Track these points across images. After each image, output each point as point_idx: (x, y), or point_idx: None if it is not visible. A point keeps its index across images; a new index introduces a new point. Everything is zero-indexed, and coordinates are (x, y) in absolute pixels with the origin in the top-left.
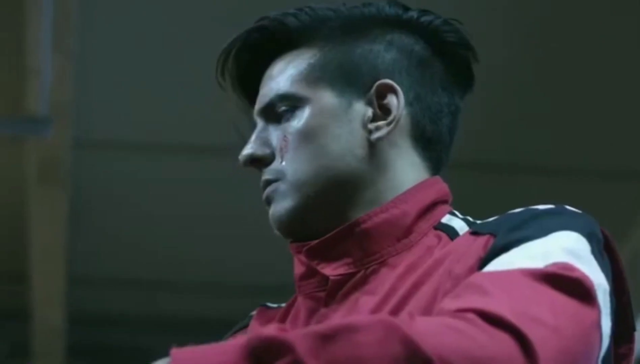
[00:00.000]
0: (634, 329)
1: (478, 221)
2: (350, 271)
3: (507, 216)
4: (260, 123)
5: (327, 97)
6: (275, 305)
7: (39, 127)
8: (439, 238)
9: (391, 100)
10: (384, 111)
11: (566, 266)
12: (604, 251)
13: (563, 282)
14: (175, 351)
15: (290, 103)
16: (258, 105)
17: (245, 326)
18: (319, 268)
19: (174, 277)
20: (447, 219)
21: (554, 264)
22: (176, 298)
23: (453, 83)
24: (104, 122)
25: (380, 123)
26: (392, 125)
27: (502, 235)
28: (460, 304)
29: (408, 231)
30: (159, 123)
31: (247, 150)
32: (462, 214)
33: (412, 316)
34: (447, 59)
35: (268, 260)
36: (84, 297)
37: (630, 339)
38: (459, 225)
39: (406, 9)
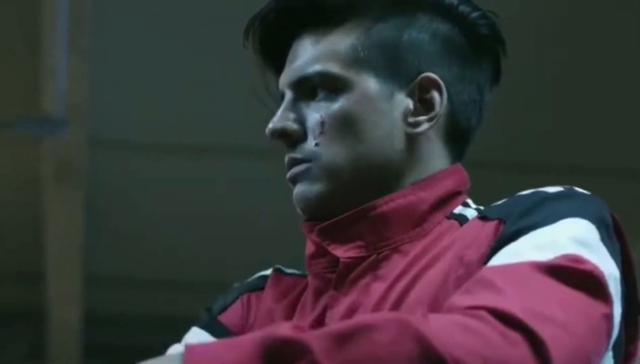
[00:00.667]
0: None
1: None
2: (362, 255)
3: (515, 199)
4: (289, 95)
5: (371, 83)
6: (289, 271)
7: (55, 127)
8: (451, 227)
9: (434, 95)
10: (425, 105)
11: (576, 258)
12: (613, 235)
13: (574, 275)
14: (189, 346)
15: (332, 83)
16: (290, 77)
17: (259, 289)
18: (330, 248)
19: (194, 277)
20: (459, 209)
21: (564, 256)
22: (193, 298)
23: (486, 78)
24: (120, 122)
25: (421, 118)
26: (432, 122)
27: (511, 222)
28: (472, 302)
29: (422, 219)
30: (177, 123)
31: (279, 122)
32: (476, 204)
33: (425, 315)
34: (482, 53)
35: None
36: (100, 297)
37: (637, 321)
38: (471, 213)
39: None
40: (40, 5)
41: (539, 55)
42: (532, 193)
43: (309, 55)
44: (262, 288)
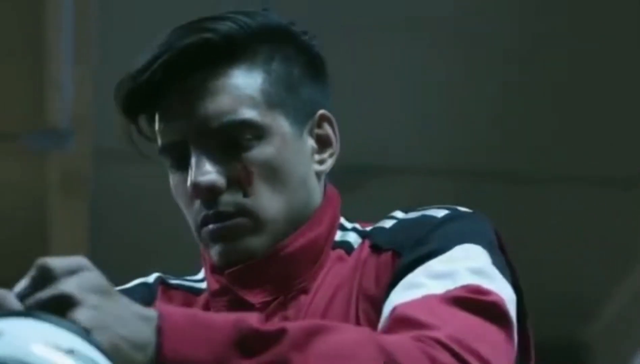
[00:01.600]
0: (527, 317)
1: (367, 228)
2: (271, 298)
3: (404, 225)
4: (201, 145)
5: (285, 126)
6: (174, 282)
7: (61, 138)
8: (339, 257)
9: (328, 130)
10: (323, 142)
11: (477, 289)
12: (499, 252)
13: (478, 306)
14: (165, 311)
15: (253, 131)
16: (201, 127)
17: (145, 302)
18: (239, 293)
19: None
20: (340, 235)
21: (464, 287)
22: None
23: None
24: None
25: (324, 155)
26: (333, 157)
27: (406, 252)
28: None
29: (319, 254)
30: None
31: (204, 177)
32: (348, 220)
33: (378, 333)
34: (323, 69)
35: None
36: None
37: (527, 326)
38: (352, 238)
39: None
40: (44, 17)
41: (551, 68)
42: (420, 217)
43: (220, 102)
44: (148, 302)
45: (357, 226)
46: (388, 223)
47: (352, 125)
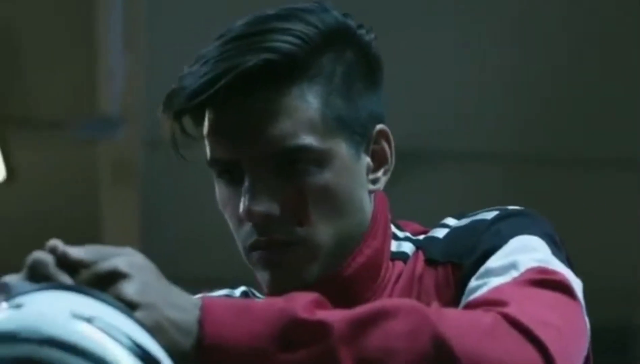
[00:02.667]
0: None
1: (420, 237)
2: None
3: (456, 234)
4: (256, 169)
5: (344, 150)
6: (261, 296)
7: (111, 127)
8: (397, 267)
9: (385, 146)
10: (379, 159)
11: (545, 270)
12: (561, 246)
13: (548, 283)
14: (208, 302)
15: (313, 157)
16: (257, 150)
17: None
18: None
19: (245, 275)
20: (395, 245)
21: (529, 270)
22: None
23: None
24: None
25: (378, 174)
26: (387, 175)
27: (465, 263)
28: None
29: (379, 269)
30: None
31: (262, 206)
32: (397, 226)
33: (440, 309)
34: (380, 72)
35: None
36: None
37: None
38: (407, 247)
39: (346, 17)
40: (95, 6)
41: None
42: (471, 223)
43: (278, 126)
44: None
45: (409, 234)
46: (440, 233)
47: (398, 111)
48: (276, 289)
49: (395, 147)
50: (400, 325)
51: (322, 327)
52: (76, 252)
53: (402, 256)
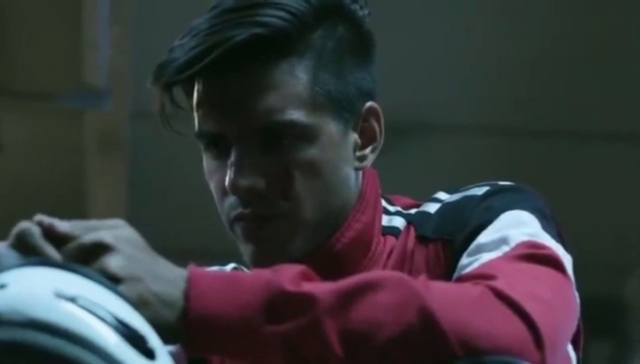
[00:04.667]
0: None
1: (412, 211)
2: None
3: (447, 210)
4: (243, 143)
5: (332, 126)
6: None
7: (98, 98)
8: (389, 243)
9: (374, 124)
10: (367, 136)
11: (534, 244)
12: (551, 219)
13: (538, 257)
14: (195, 273)
15: (299, 132)
16: (245, 124)
17: None
18: None
19: (231, 247)
20: (386, 220)
21: (519, 244)
22: None
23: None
24: None
25: (366, 151)
26: (375, 153)
27: (455, 239)
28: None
29: (370, 243)
30: None
31: (244, 179)
32: (388, 200)
33: (427, 282)
34: (372, 45)
35: None
36: None
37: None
38: (399, 222)
39: None
40: None
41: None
42: (462, 198)
43: (266, 101)
44: None
45: (400, 209)
46: (432, 207)
47: (390, 83)
48: (259, 262)
49: (386, 118)
50: (387, 297)
51: (307, 299)
52: (63, 225)
53: (393, 231)
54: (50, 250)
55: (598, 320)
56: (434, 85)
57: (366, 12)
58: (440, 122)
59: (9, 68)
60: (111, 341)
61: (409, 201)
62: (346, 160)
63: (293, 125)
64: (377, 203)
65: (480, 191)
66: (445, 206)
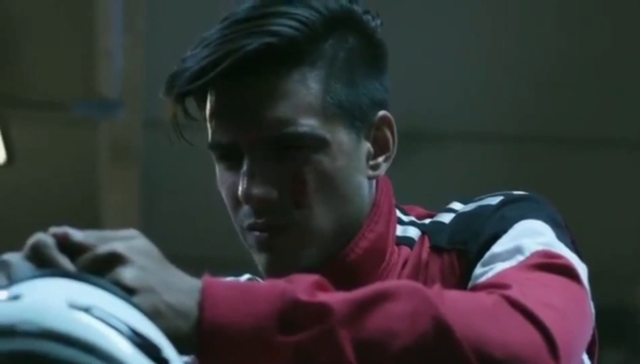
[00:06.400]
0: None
1: (426, 221)
2: None
3: (461, 220)
4: (255, 153)
5: (343, 135)
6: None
7: (111, 108)
8: (403, 253)
9: (387, 133)
10: (380, 145)
11: (549, 254)
12: (566, 230)
13: (553, 266)
14: (208, 281)
15: (311, 141)
16: (257, 133)
17: None
18: None
19: (246, 256)
20: (401, 230)
21: (534, 254)
22: None
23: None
24: None
25: (379, 160)
26: (388, 162)
27: (470, 250)
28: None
29: (384, 253)
30: None
31: (256, 188)
32: (402, 210)
33: (441, 291)
34: (384, 57)
35: None
36: None
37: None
38: (413, 232)
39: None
40: None
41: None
42: (477, 208)
43: (278, 111)
44: None
45: (414, 219)
46: (446, 217)
47: (400, 91)
48: (273, 272)
49: (397, 127)
50: (401, 307)
51: (322, 309)
52: (77, 235)
53: (407, 241)
54: (64, 260)
55: (609, 329)
56: (444, 94)
57: (378, 22)
58: (450, 130)
59: (22, 78)
60: (126, 351)
61: (423, 211)
62: (359, 169)
63: (305, 135)
64: (391, 212)
65: (494, 201)
66: (460, 216)
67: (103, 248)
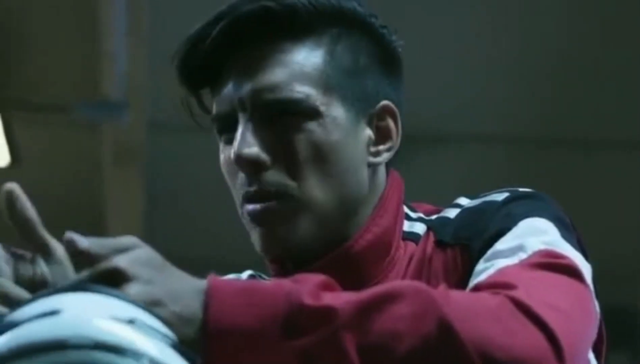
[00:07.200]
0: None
1: (432, 217)
2: None
3: (466, 216)
4: (248, 115)
5: (340, 111)
6: (266, 278)
7: (115, 111)
8: (409, 248)
9: (390, 124)
10: (382, 134)
11: (552, 253)
12: (571, 228)
13: (556, 266)
14: (213, 282)
15: (304, 109)
16: (254, 97)
17: None
18: None
19: (249, 258)
20: (407, 225)
21: (537, 252)
22: None
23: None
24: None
25: (381, 148)
26: (391, 152)
27: (473, 245)
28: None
29: (389, 247)
30: None
31: (247, 148)
32: (410, 207)
33: (446, 292)
34: (397, 63)
35: None
36: None
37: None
38: (419, 227)
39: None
40: None
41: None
42: (482, 204)
43: (275, 75)
44: None
45: (422, 215)
46: (452, 213)
47: (405, 93)
48: (267, 246)
49: (404, 130)
50: (406, 308)
51: (327, 312)
52: (81, 242)
53: (413, 236)
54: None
55: (613, 330)
56: (443, 95)
57: (393, 38)
58: (451, 131)
59: (26, 81)
60: (176, 360)
61: (430, 207)
62: (356, 150)
63: (298, 101)
64: (399, 208)
65: (500, 197)
66: (465, 212)
67: (105, 265)
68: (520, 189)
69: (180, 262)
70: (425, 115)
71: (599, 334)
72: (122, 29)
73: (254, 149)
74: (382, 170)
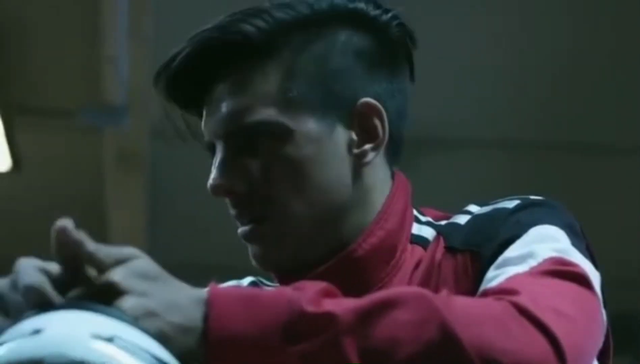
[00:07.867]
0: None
1: (442, 222)
2: None
3: (477, 222)
4: (222, 146)
5: (310, 123)
6: (271, 285)
7: (117, 116)
8: (417, 252)
9: (375, 122)
10: (367, 133)
11: (562, 261)
12: (581, 236)
13: (565, 273)
14: (214, 290)
15: (271, 131)
16: (221, 128)
17: None
18: None
19: (250, 263)
20: (416, 229)
21: (547, 260)
22: None
23: (407, 80)
24: None
25: (366, 147)
26: (377, 150)
27: (483, 252)
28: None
29: (394, 251)
30: None
31: (222, 179)
32: (419, 212)
33: (448, 298)
34: (400, 56)
35: None
36: None
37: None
38: (428, 232)
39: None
40: None
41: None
42: (492, 211)
43: (237, 102)
44: None
45: (431, 219)
46: (462, 219)
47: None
48: (259, 262)
49: (407, 134)
50: (407, 314)
51: (327, 319)
52: (90, 246)
53: (421, 240)
54: (58, 298)
55: (616, 336)
56: (450, 100)
57: (389, 15)
58: (459, 136)
59: (27, 85)
60: None
61: (439, 213)
62: (335, 156)
63: (264, 122)
64: (406, 211)
65: (510, 204)
66: (475, 219)
67: (100, 280)
68: (532, 197)
69: (182, 267)
70: (433, 120)
71: (605, 344)
72: (124, 34)
73: (227, 181)
74: (377, 169)
